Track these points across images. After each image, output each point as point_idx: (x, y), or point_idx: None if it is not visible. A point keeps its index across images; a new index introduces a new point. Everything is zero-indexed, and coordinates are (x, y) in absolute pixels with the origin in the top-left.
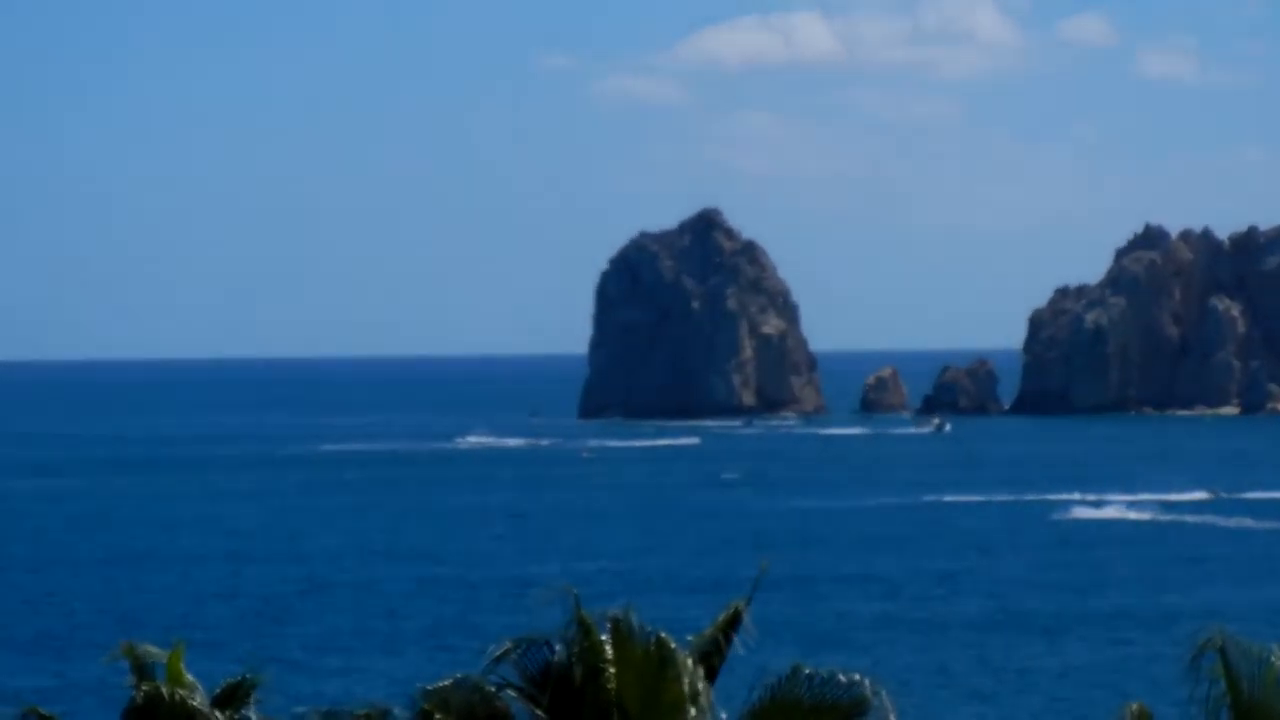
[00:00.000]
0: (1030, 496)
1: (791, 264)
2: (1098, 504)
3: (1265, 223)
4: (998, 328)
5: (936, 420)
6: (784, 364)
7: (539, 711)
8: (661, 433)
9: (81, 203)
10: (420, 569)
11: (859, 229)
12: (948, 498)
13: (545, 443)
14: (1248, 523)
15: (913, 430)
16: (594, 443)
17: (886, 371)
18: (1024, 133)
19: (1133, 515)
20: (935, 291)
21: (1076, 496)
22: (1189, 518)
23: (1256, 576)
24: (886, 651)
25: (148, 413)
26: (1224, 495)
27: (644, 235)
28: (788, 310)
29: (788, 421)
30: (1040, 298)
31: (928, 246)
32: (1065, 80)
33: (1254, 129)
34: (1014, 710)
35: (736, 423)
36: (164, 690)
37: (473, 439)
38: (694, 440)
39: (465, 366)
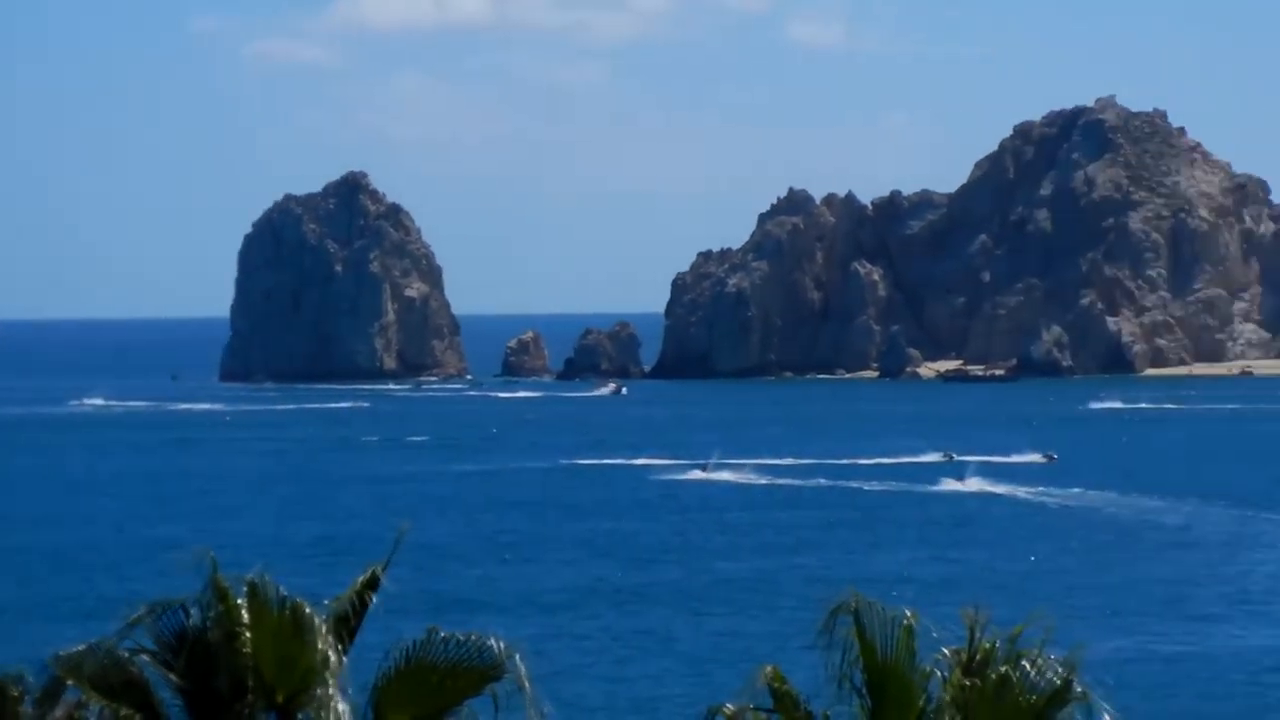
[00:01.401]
0: (668, 460)
1: (438, 228)
2: (738, 467)
3: (911, 188)
4: (642, 292)
5: (614, 384)
6: (426, 327)
7: (173, 677)
8: (324, 395)
9: None
10: (48, 535)
11: (506, 192)
12: (592, 461)
13: (184, 406)
14: (875, 486)
15: (591, 393)
16: (247, 407)
17: (528, 335)
18: (672, 98)
19: (768, 480)
20: (580, 255)
21: (716, 460)
22: (832, 482)
23: (891, 542)
24: (525, 617)
25: None
26: (956, 457)
27: (288, 198)
28: (431, 274)
29: (460, 385)
30: (684, 262)
31: (573, 210)
32: (715, 46)
33: (900, 95)
34: (646, 676)
35: (405, 386)
36: None
37: (101, 401)
38: (364, 404)
39: (106, 330)
